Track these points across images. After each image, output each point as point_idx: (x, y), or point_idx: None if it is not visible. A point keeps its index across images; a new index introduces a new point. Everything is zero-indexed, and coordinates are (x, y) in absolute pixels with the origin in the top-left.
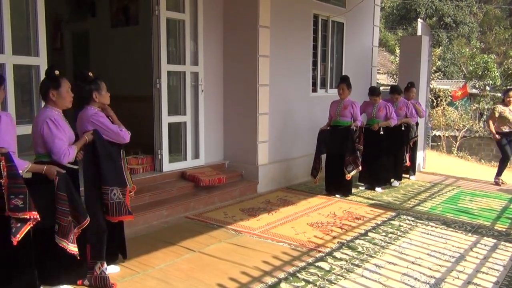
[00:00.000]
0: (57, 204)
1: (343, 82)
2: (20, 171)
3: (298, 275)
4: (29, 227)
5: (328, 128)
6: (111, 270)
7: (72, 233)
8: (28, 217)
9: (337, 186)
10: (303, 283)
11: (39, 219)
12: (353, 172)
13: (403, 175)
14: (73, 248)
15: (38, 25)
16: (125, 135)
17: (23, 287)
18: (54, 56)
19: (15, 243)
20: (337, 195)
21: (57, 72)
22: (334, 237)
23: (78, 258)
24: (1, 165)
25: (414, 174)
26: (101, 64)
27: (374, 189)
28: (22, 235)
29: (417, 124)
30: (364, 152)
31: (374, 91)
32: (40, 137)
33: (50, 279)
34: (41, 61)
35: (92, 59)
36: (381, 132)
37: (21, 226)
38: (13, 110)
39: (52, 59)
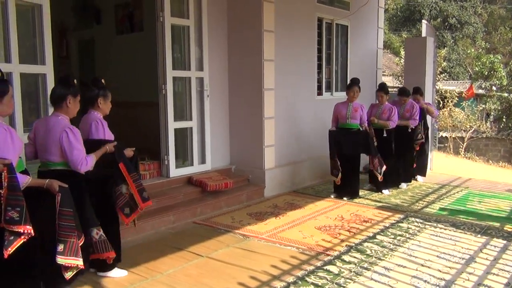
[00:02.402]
0: (60, 221)
1: (356, 85)
2: (20, 186)
3: (307, 279)
4: (22, 241)
5: (335, 129)
6: (118, 274)
7: (79, 247)
8: (22, 231)
9: (346, 188)
10: (312, 287)
11: (33, 234)
12: (382, 171)
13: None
14: (82, 263)
15: (44, 34)
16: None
17: None
18: (60, 64)
19: (6, 256)
20: (344, 198)
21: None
22: (342, 240)
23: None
24: (3, 176)
25: (425, 175)
26: (106, 71)
27: (381, 192)
28: (14, 248)
29: (426, 127)
30: None
31: (382, 87)
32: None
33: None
34: (47, 70)
35: (97, 66)
36: (384, 135)
37: (14, 239)
38: (20, 119)
39: (58, 67)
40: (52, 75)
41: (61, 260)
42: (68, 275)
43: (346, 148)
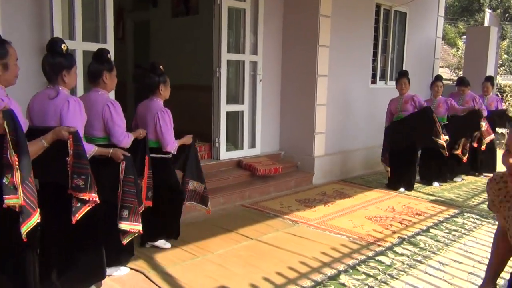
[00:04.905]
0: (125, 187)
1: (404, 77)
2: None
3: (358, 268)
4: (88, 208)
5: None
6: (163, 244)
7: (139, 213)
8: (87, 198)
9: (402, 178)
10: (363, 276)
11: (98, 202)
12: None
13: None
14: (141, 228)
15: (106, 13)
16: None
17: (91, 269)
18: (116, 45)
19: (73, 221)
20: (401, 189)
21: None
22: (394, 232)
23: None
24: (69, 143)
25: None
26: (161, 54)
27: (431, 184)
28: (81, 215)
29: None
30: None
31: (437, 77)
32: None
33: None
34: (108, 48)
35: (152, 48)
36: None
37: (80, 206)
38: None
39: (114, 48)
40: (112, 53)
41: (125, 225)
42: (125, 240)
43: (403, 137)
